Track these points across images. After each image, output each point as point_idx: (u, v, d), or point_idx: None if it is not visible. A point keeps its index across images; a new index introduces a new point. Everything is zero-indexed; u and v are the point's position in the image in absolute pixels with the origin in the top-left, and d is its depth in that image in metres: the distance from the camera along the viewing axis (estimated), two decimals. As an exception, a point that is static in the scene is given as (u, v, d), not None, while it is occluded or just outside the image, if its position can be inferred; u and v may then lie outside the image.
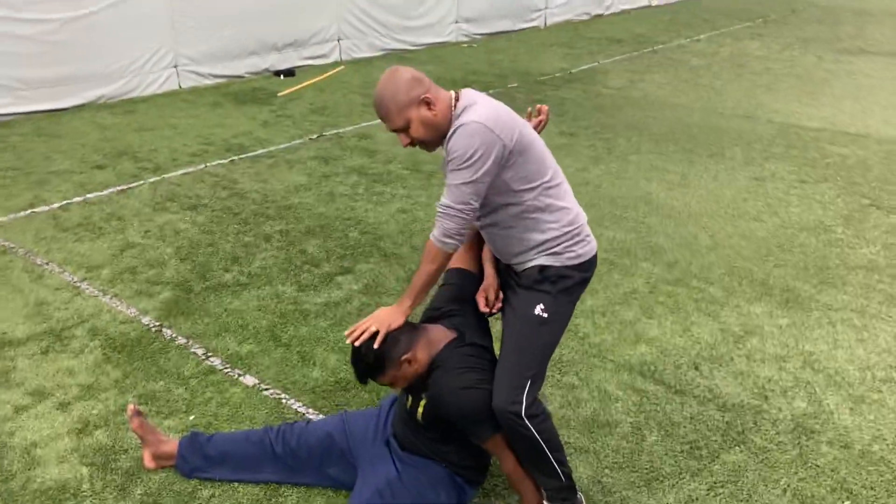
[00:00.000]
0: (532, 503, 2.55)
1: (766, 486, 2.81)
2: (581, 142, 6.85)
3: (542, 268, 2.43)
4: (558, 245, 2.42)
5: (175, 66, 8.49)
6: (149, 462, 2.87)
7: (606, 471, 2.89)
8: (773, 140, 6.99)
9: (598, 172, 6.05)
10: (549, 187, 2.41)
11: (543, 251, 2.43)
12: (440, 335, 2.50)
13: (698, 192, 5.73)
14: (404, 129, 2.32)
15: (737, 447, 3.02)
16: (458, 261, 2.70)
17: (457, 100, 2.34)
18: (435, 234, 2.34)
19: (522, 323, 2.43)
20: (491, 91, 8.48)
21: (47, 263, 4.49)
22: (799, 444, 3.04)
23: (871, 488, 2.81)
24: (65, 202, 5.37)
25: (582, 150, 6.59)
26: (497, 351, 2.54)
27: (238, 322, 3.88)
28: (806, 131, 7.27)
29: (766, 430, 3.12)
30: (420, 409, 2.51)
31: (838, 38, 12.47)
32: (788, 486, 2.81)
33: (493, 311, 2.61)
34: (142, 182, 5.75)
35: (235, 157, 6.32)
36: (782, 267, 4.54)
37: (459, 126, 2.24)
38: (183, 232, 4.91)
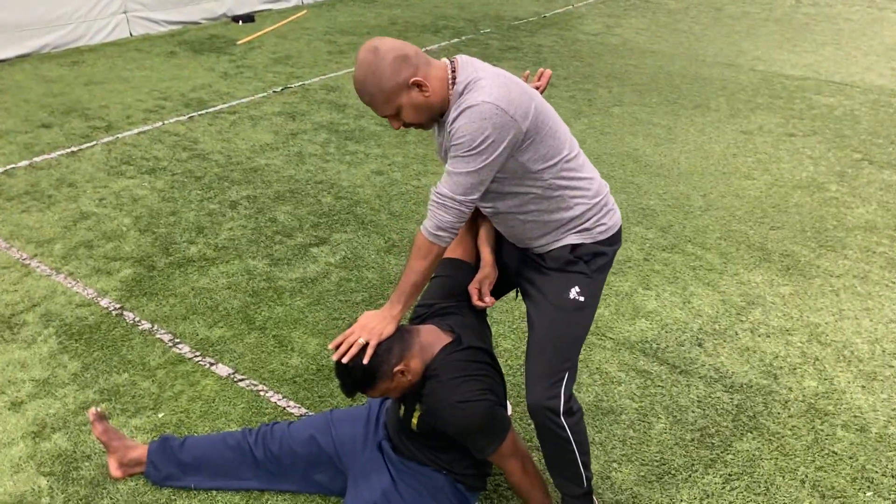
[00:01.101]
0: (543, 513, 2.34)
1: (784, 476, 2.65)
2: (561, 93, 6.54)
3: (573, 247, 2.17)
4: (587, 220, 2.16)
5: (125, 12, 7.91)
6: (115, 470, 2.60)
7: (614, 465, 2.70)
8: (758, 90, 6.76)
9: (581, 127, 5.77)
10: (569, 160, 2.13)
11: (572, 229, 2.16)
12: (433, 338, 2.22)
13: (686, 147, 5.49)
14: (395, 116, 2.02)
15: (749, 433, 2.85)
16: (451, 249, 2.42)
17: (454, 70, 2.02)
18: (427, 225, 2.05)
19: (556, 309, 2.18)
20: (463, 38, 8.08)
21: (-8, 238, 4.11)
22: (813, 428, 2.88)
23: (893, 476, 2.66)
24: (9, 166, 4.94)
25: (562, 102, 6.29)
26: (484, 344, 2.30)
27: (207, 303, 3.58)
28: (790, 80, 7.04)
29: (778, 414, 2.95)
30: (414, 420, 2.26)
31: (814, -21, 12.19)
32: (807, 476, 2.66)
33: (487, 304, 2.35)
34: (94, 143, 5.32)
35: (195, 114, 5.89)
36: (779, 229, 4.35)
37: (468, 107, 1.92)
38: (141, 199, 4.54)
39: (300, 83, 6.67)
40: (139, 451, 2.60)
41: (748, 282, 3.84)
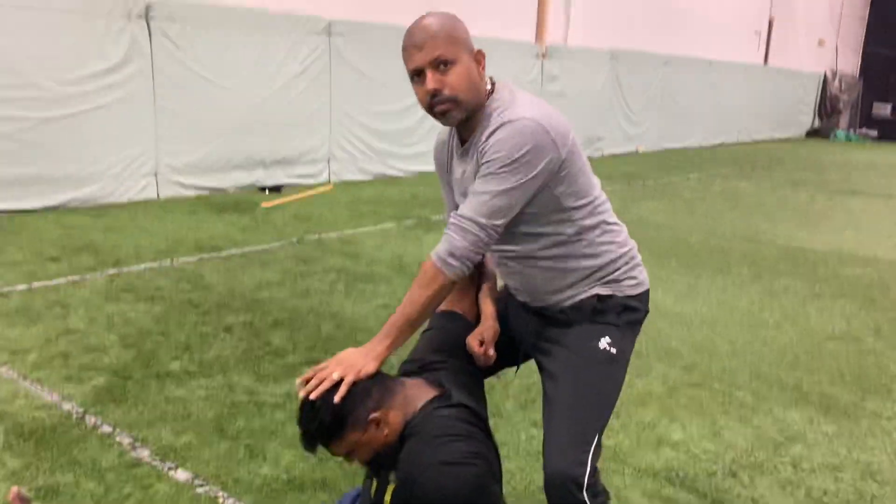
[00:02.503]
0: None
1: None
2: (578, 255, 6.43)
3: (601, 297, 1.93)
4: (616, 270, 1.94)
5: (155, 175, 8.18)
6: (28, 569, 2.15)
7: None
8: (779, 260, 6.61)
9: (597, 281, 5.59)
10: (601, 202, 1.99)
11: (598, 279, 1.94)
12: (419, 391, 1.91)
13: (709, 301, 5.24)
14: (445, 65, 1.79)
15: (801, 570, 2.34)
16: (447, 301, 2.15)
17: (492, 84, 1.90)
18: (438, 251, 1.83)
19: (584, 361, 1.89)
20: (482, 210, 8.17)
21: (-33, 346, 3.86)
22: (879, 567, 2.37)
23: None
24: (6, 288, 4.80)
25: (579, 261, 6.16)
26: (482, 409, 1.94)
27: (179, 411, 3.23)
28: (812, 253, 6.91)
29: (835, 551, 2.45)
30: (387, 497, 1.87)
31: (827, 182, 12.51)
32: None
33: (489, 357, 2.05)
34: (97, 273, 5.21)
35: (205, 256, 5.83)
36: (815, 374, 3.97)
37: (507, 122, 1.78)
38: (133, 321, 4.32)
39: (317, 236, 6.67)
40: (61, 546, 2.17)
41: (784, 419, 3.42)
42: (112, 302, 4.64)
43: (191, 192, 8.47)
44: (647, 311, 2.03)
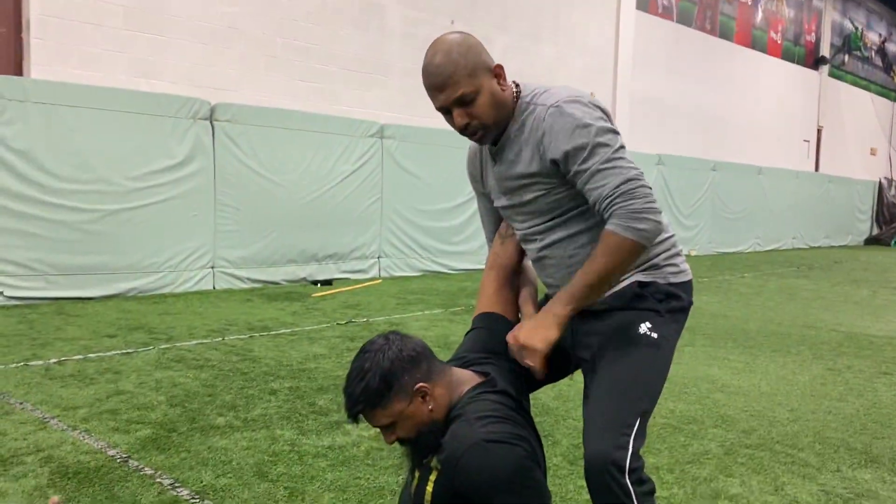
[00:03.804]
0: None
1: None
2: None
3: (641, 283, 1.89)
4: (656, 256, 1.92)
5: (212, 267, 8.43)
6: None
7: None
8: (841, 343, 6.36)
9: (649, 359, 5.44)
10: None
11: (638, 266, 1.91)
12: (466, 377, 1.93)
13: (767, 376, 5.04)
14: (468, 102, 1.82)
15: None
16: (488, 303, 2.16)
17: (517, 85, 1.95)
18: (617, 223, 1.75)
19: (624, 345, 1.84)
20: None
21: (21, 403, 3.93)
22: None
23: None
24: (63, 358, 4.92)
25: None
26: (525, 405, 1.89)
27: (220, 457, 3.20)
28: (876, 338, 6.64)
29: None
30: (429, 487, 1.81)
31: (890, 280, 12.15)
32: None
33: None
34: (150, 348, 5.32)
35: (256, 335, 5.91)
36: (884, 439, 3.74)
37: (553, 107, 1.82)
38: (182, 384, 4.36)
39: (365, 320, 6.71)
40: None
41: (853, 478, 3.20)
42: (162, 370, 4.71)
43: (245, 285, 8.68)
44: (690, 303, 1.99)
